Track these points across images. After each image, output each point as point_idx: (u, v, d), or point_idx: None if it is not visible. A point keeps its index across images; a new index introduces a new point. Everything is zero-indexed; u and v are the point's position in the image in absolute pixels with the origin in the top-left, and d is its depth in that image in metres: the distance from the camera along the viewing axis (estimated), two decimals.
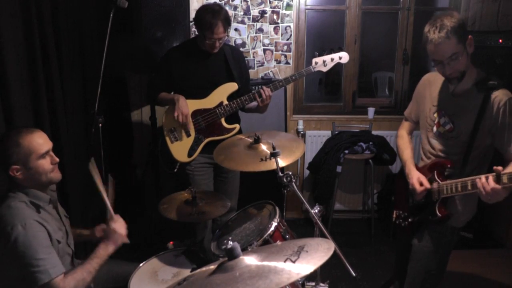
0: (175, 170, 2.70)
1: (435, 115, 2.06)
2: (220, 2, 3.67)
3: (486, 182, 1.73)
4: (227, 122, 2.68)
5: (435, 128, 2.06)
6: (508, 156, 1.88)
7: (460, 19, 1.83)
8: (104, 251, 1.81)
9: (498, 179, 1.70)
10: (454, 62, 1.84)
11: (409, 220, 2.16)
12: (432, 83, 2.11)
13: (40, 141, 1.73)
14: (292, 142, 2.15)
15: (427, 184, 2.02)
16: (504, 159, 1.89)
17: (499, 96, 1.85)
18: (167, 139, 2.68)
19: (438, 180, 2.00)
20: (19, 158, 1.68)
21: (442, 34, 1.79)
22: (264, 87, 2.58)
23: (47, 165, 1.75)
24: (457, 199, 2.01)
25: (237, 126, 2.71)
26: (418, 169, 2.14)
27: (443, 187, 1.97)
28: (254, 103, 2.64)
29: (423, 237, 2.11)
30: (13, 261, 1.63)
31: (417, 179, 2.06)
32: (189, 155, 2.66)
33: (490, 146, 1.96)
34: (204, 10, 2.52)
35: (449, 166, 1.99)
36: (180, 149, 2.66)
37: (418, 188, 2.03)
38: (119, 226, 1.89)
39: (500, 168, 1.72)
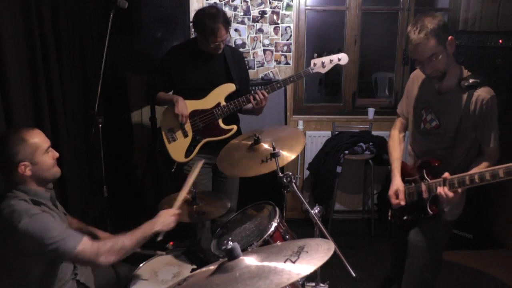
0: (173, 170, 2.70)
1: (422, 111, 2.10)
2: (220, 3, 3.67)
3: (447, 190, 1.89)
4: (225, 123, 2.68)
5: (422, 125, 2.10)
6: (487, 151, 1.98)
7: (441, 20, 1.87)
8: (150, 225, 1.83)
9: (450, 185, 1.88)
10: (433, 62, 1.89)
11: (404, 218, 2.18)
12: (420, 79, 2.15)
13: (42, 137, 1.77)
14: (292, 135, 2.16)
15: (402, 201, 2.10)
16: (483, 153, 1.99)
17: (481, 94, 1.90)
18: (165, 139, 2.68)
19: (428, 179, 2.04)
20: (26, 155, 1.70)
21: (421, 35, 1.84)
22: (258, 90, 2.57)
23: (50, 160, 1.78)
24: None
25: (234, 127, 2.70)
26: (407, 168, 2.19)
27: (432, 186, 2.01)
28: (250, 105, 2.64)
29: (418, 233, 2.14)
30: (32, 250, 1.63)
31: (394, 191, 2.13)
32: (186, 155, 2.66)
33: (475, 141, 2.01)
34: (202, 15, 2.50)
35: (437, 164, 2.04)
36: (177, 149, 2.66)
37: (394, 201, 2.12)
38: (173, 215, 1.93)
39: (446, 174, 1.90)
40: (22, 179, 1.72)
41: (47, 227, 1.63)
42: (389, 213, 2.28)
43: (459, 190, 1.87)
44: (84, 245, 1.65)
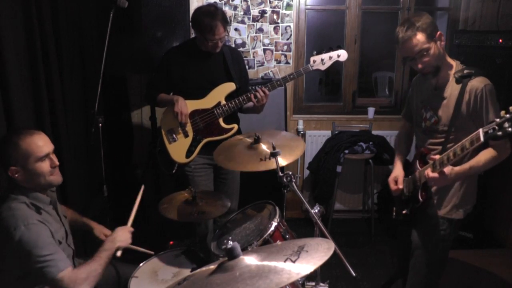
0: (174, 171, 2.69)
1: (422, 110, 2.14)
2: (220, 2, 3.67)
3: (430, 171, 1.93)
4: (225, 122, 2.68)
5: (423, 123, 2.14)
6: (490, 142, 1.93)
7: (427, 17, 1.94)
8: (111, 243, 1.87)
9: (433, 167, 1.92)
10: (424, 58, 1.94)
11: (403, 212, 2.20)
12: (419, 82, 2.21)
13: (40, 143, 1.72)
14: (292, 141, 2.15)
15: (400, 184, 2.16)
16: (487, 146, 1.95)
17: (475, 84, 1.92)
18: (165, 139, 2.66)
19: (419, 168, 2.10)
20: (18, 160, 1.68)
21: (408, 32, 1.91)
22: (259, 87, 2.58)
23: (46, 168, 1.73)
24: (453, 192, 2.06)
25: (235, 126, 2.70)
26: (409, 164, 2.23)
27: (421, 173, 2.06)
28: (251, 103, 2.63)
29: (421, 233, 2.15)
30: (18, 260, 1.63)
31: (393, 178, 2.19)
32: (187, 156, 2.65)
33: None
34: (200, 13, 2.51)
35: (426, 153, 2.09)
36: (178, 150, 2.66)
37: (392, 186, 2.18)
38: (129, 231, 1.98)
39: (436, 157, 1.92)
40: (15, 182, 1.72)
41: (38, 243, 1.62)
42: (394, 211, 2.30)
43: (446, 171, 1.87)
44: (65, 273, 1.65)
